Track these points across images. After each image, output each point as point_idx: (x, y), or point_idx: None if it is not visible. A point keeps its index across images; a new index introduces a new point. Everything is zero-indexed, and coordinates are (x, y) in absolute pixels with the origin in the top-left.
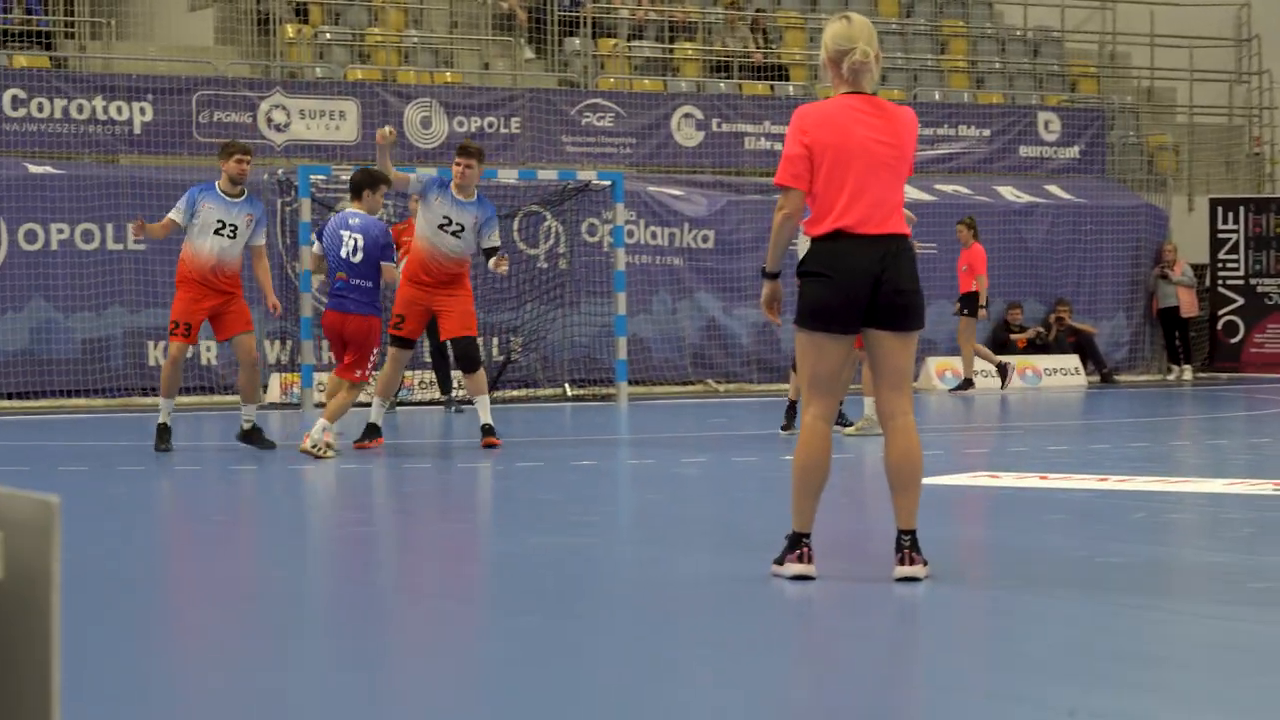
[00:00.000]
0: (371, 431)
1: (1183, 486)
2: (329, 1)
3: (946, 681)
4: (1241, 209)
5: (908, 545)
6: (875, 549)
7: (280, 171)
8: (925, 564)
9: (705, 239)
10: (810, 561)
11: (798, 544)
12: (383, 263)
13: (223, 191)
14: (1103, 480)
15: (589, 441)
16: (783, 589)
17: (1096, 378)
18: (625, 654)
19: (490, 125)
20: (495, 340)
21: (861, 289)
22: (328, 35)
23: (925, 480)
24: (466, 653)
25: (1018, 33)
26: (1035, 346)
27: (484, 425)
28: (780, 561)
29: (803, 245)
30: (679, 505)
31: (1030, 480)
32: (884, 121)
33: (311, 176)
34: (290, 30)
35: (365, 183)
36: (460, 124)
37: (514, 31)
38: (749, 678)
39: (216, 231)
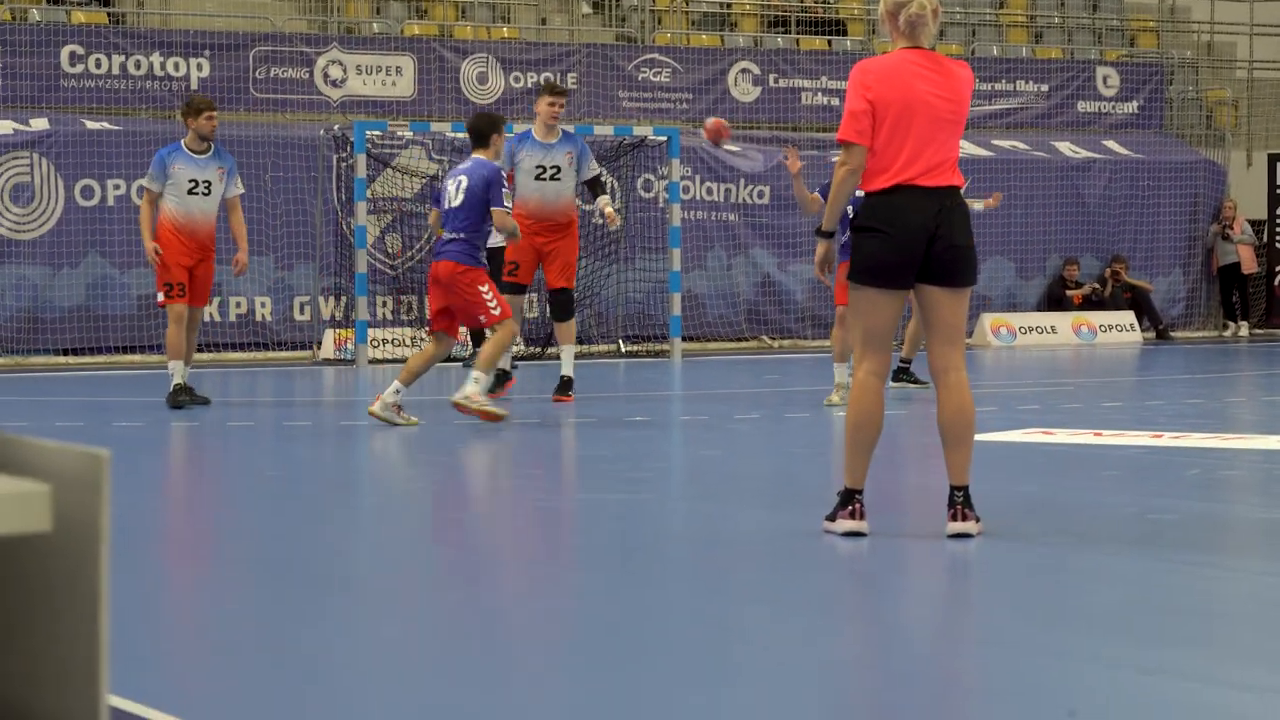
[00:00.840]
0: (500, 378)
1: (1237, 443)
2: None
3: (998, 638)
4: None
5: (960, 501)
6: (928, 505)
7: (336, 127)
8: (978, 520)
9: (761, 195)
10: (862, 518)
11: (850, 500)
12: (492, 207)
13: (190, 149)
14: (1157, 437)
15: (642, 397)
16: (835, 545)
17: (1152, 334)
18: (677, 610)
19: (547, 81)
20: None
21: (917, 245)
22: None
23: (978, 437)
24: (517, 607)
25: None
26: (1091, 302)
27: (564, 377)
28: (832, 518)
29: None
30: (732, 461)
31: (1084, 437)
32: (943, 77)
33: (367, 132)
34: None
35: (490, 128)
36: (516, 79)
37: None
38: (801, 635)
39: (190, 191)
